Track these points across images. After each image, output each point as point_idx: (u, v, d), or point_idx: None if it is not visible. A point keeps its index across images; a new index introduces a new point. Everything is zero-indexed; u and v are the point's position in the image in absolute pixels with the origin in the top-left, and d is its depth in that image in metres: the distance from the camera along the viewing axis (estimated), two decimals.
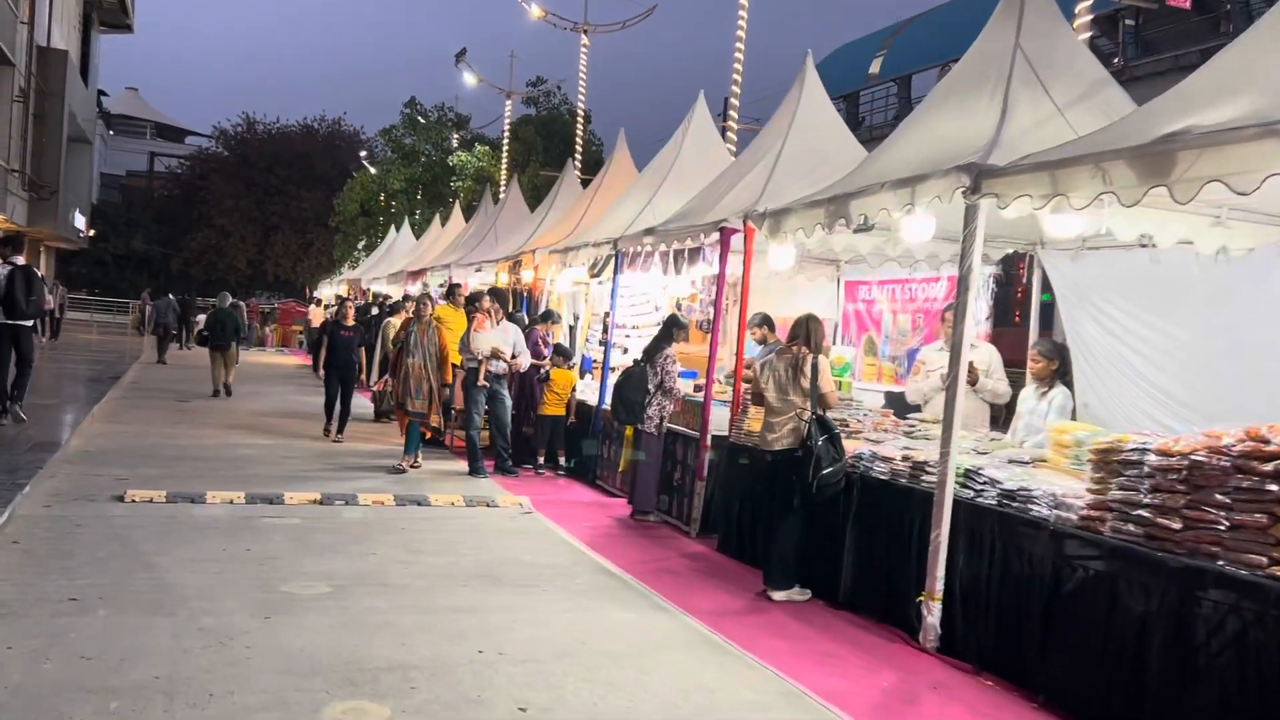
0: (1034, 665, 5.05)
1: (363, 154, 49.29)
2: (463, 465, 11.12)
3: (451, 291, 12.94)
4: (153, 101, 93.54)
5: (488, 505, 9.03)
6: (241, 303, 36.53)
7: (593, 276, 11.32)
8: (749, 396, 7.84)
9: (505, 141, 29.50)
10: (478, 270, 16.62)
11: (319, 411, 14.78)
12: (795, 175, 8.92)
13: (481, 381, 10.57)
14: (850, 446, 6.57)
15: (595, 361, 12.14)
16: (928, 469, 5.89)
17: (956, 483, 5.59)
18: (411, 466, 10.67)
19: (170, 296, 30.03)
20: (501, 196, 23.63)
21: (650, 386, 8.73)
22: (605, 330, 10.85)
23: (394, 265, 27.28)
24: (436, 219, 27.71)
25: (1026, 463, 5.78)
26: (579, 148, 23.29)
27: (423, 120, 36.60)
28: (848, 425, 7.12)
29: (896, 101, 42.76)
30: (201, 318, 32.62)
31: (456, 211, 25.24)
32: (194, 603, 5.55)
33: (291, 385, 21.24)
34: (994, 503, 5.42)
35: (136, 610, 5.36)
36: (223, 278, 54.99)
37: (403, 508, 8.68)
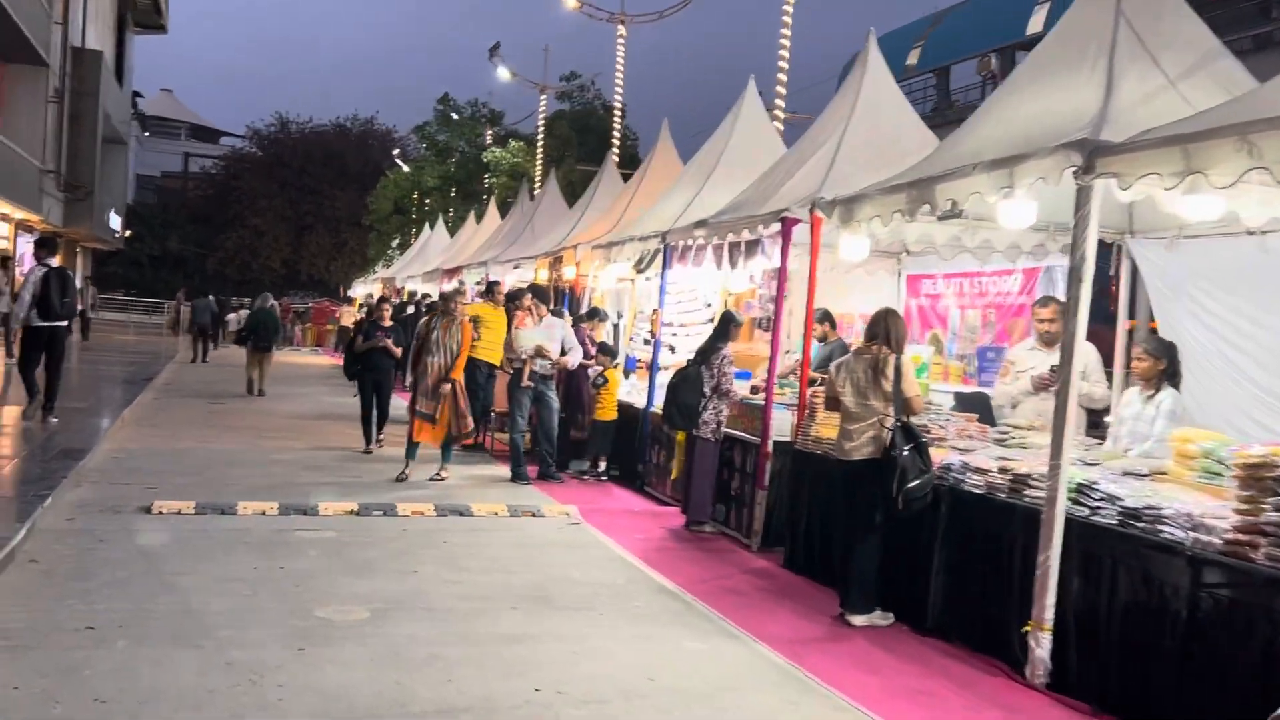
0: (1166, 708, 4.43)
1: (395, 152, 49.10)
2: (503, 470, 10.62)
3: (490, 289, 12.44)
4: (188, 103, 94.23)
5: (533, 515, 8.49)
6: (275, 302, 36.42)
7: (639, 272, 10.75)
8: (815, 400, 7.26)
9: (540, 137, 29.00)
10: (515, 267, 16.12)
11: (354, 414, 14.33)
12: (860, 162, 8.32)
13: (526, 382, 10.04)
14: (936, 455, 5.97)
15: (639, 361, 11.59)
16: (1031, 482, 5.28)
17: (1068, 499, 4.98)
18: (432, 479, 9.71)
19: (210, 297, 30.22)
20: (538, 192, 23.20)
21: (706, 389, 8.15)
22: (653, 328, 10.27)
23: (429, 263, 26.89)
24: (471, 216, 27.29)
25: (1144, 475, 5.15)
26: (616, 142, 22.75)
27: (456, 116, 36.20)
28: (928, 431, 6.51)
29: (935, 94, 42.05)
30: (232, 317, 32.56)
31: (492, 208, 24.79)
32: (221, 631, 5.05)
33: (325, 386, 20.87)
34: (1114, 522, 4.80)
35: (158, 641, 4.86)
36: (257, 278, 55.07)
37: (443, 518, 8.17)
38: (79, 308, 24.32)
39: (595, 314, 11.31)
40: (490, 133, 35.55)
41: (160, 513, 7.62)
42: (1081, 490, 5.03)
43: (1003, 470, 5.52)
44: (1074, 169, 5.00)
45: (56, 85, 33.66)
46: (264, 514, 7.83)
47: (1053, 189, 5.27)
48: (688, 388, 8.05)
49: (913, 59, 42.13)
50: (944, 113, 36.35)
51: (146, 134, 77.80)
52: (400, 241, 36.97)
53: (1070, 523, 4.96)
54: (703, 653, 5.27)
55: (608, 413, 10.45)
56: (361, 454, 11.32)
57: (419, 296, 21.45)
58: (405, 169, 40.33)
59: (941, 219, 6.74)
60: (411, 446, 9.85)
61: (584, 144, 33.67)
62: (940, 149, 6.80)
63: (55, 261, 11.28)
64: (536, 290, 10.49)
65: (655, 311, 10.21)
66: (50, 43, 32.24)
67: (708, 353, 8.28)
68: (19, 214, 30.99)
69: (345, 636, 5.10)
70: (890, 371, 5.94)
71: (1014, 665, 5.18)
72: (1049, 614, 4.96)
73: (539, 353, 10.08)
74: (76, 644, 4.74)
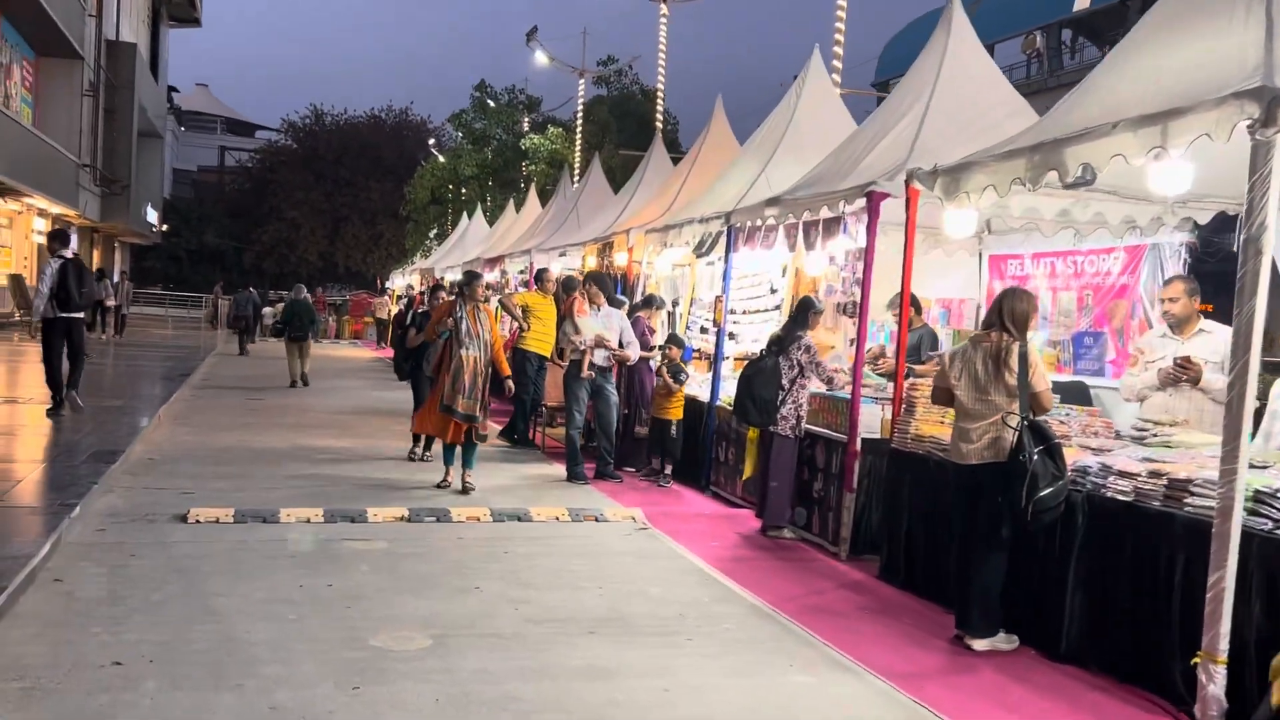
0: None
1: (431, 142, 48.58)
2: (558, 469, 9.99)
3: (540, 277, 11.80)
4: (223, 98, 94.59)
5: (596, 520, 7.84)
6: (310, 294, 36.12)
7: (699, 256, 10.05)
8: (914, 394, 6.54)
9: (579, 122, 28.32)
10: (561, 255, 15.46)
11: (398, 408, 13.80)
12: (948, 133, 7.59)
13: (586, 373, 9.39)
14: (1067, 456, 5.23)
15: (696, 351, 10.89)
16: (1194, 489, 4.54)
17: (1244, 509, 4.25)
18: (440, 483, 8.71)
19: (251, 290, 30.33)
20: (581, 177, 22.56)
21: (784, 381, 7.45)
22: (716, 316, 9.56)
23: (468, 253, 26.32)
24: (510, 204, 26.67)
25: None
26: (661, 120, 22.02)
27: (493, 104, 35.59)
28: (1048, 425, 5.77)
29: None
30: (268, 311, 32.29)
31: (532, 196, 24.16)
32: (265, 667, 4.43)
33: (366, 380, 20.38)
34: None
35: (194, 680, 4.24)
36: (294, 270, 54.88)
37: (501, 524, 7.54)
38: (110, 302, 23.95)
39: (651, 301, 10.62)
40: (527, 120, 34.90)
41: (197, 521, 7.05)
42: (1260, 499, 4.29)
43: (1154, 474, 4.78)
44: (1249, 121, 4.25)
45: (91, 78, 33.44)
46: (308, 521, 7.24)
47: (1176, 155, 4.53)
48: (763, 380, 7.35)
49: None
50: (1058, 74, 35.08)
51: (182, 129, 78.19)
52: (438, 232, 36.48)
53: (1248, 537, 4.22)
54: (812, 688, 4.58)
55: (675, 410, 9.59)
56: (408, 446, 10.73)
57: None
58: (441, 159, 39.83)
59: (1068, 187, 5.98)
60: (449, 449, 8.74)
61: (623, 129, 32.96)
62: (1057, 112, 6.03)
63: (69, 253, 11.22)
64: (597, 278, 9.80)
65: (718, 299, 9.50)
66: (84, 35, 32.00)
67: (785, 342, 7.57)
68: (56, 208, 30.81)
69: (405, 672, 4.47)
70: (1014, 362, 5.21)
71: (1177, 702, 4.46)
72: (1223, 644, 4.22)
73: (599, 343, 9.42)
74: (101, 685, 4.14)
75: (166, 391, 14.71)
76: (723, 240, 9.62)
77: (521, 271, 18.24)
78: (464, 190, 34.67)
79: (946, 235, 6.96)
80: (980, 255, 9.68)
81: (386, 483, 8.94)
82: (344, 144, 58.88)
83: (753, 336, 10.07)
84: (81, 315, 11.35)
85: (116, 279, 25.70)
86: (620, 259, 12.53)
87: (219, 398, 15.32)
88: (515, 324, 12.11)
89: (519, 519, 7.68)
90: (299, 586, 5.68)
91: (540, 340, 11.61)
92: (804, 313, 7.68)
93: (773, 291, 9.95)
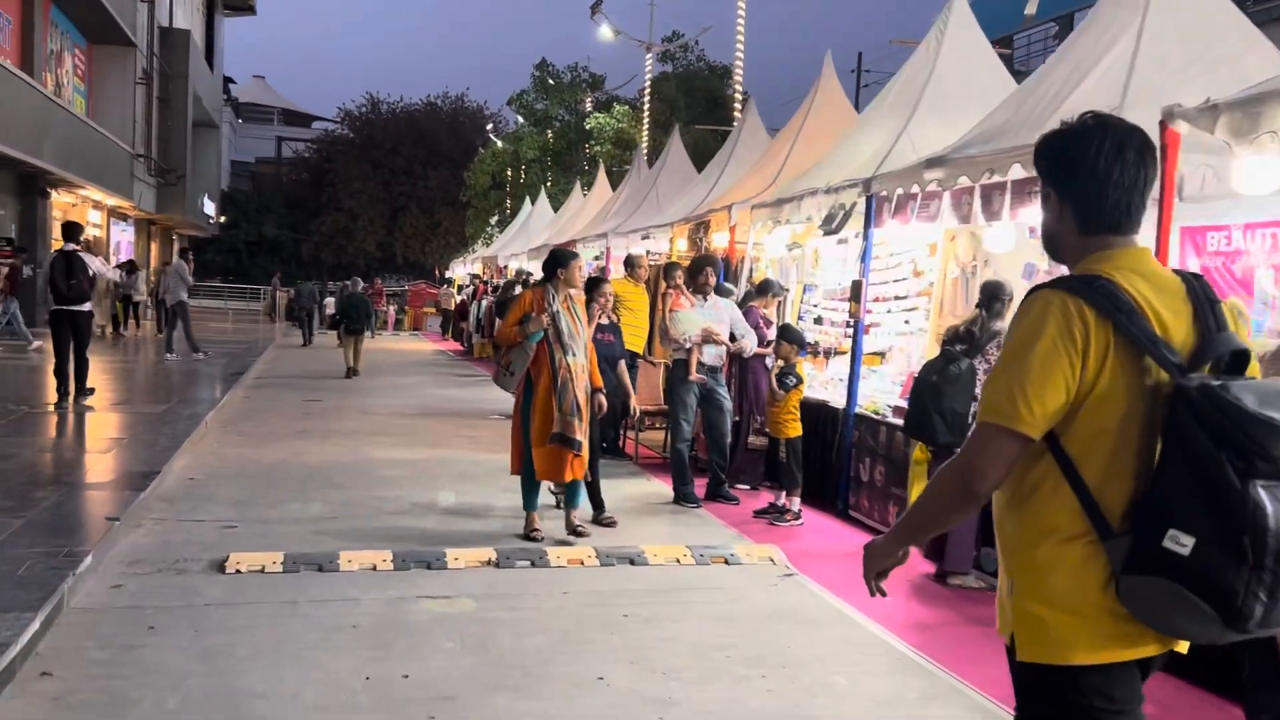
0: None
1: (489, 127, 47.32)
2: (660, 487, 8.49)
3: (631, 263, 10.27)
4: (280, 89, 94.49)
5: (726, 562, 6.31)
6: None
7: (829, 233, 8.44)
8: None
9: (646, 99, 26.74)
10: (645, 238, 13.93)
11: (467, 410, 12.43)
12: (1173, 66, 6.01)
13: (695, 375, 7.86)
14: None
15: (810, 348, 9.27)
16: None
17: None
18: (529, 534, 6.62)
19: (312, 283, 29.95)
20: (651, 156, 21.06)
21: (978, 390, 5.85)
22: (856, 303, 7.92)
23: (533, 240, 24.94)
24: (577, 187, 25.23)
25: None
26: (739, 90, 20.42)
27: (553, 83, 34.12)
28: None
29: (1057, 44, 38.68)
30: (330, 300, 31.34)
31: (601, 177, 22.66)
32: None
33: (429, 375, 19.07)
34: None
35: None
36: (352, 261, 54.13)
37: (611, 569, 6.04)
38: (128, 290, 22.76)
39: (768, 287, 9.03)
40: (590, 99, 33.39)
41: (237, 570, 5.65)
42: None
43: None
44: None
45: (144, 66, 32.61)
46: (374, 569, 5.80)
47: None
48: (957, 389, 5.73)
49: (1031, 8, 38.81)
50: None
51: (240, 120, 78.05)
52: (499, 219, 35.18)
53: None
54: None
55: (789, 426, 7.59)
56: (481, 457, 9.27)
57: (525, 276, 19.43)
58: (499, 144, 38.51)
59: None
60: (532, 491, 6.69)
61: (690, 106, 31.33)
62: None
63: (74, 246, 11.19)
64: (707, 260, 8.24)
65: (857, 284, 7.87)
66: (137, 22, 31.12)
67: (976, 339, 5.95)
68: (111, 200, 30.01)
69: None
70: None
71: None
72: None
73: (708, 337, 7.87)
74: None
75: (218, 392, 13.47)
76: (859, 212, 8.03)
77: (596, 257, 16.76)
78: (524, 174, 33.24)
79: (1240, 188, 5.27)
80: (1157, 222, 7.98)
81: (464, 509, 7.50)
82: (400, 132, 57.99)
83: (894, 328, 8.47)
84: (83, 308, 11.16)
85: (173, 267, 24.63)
86: (718, 240, 10.96)
87: (274, 398, 14.05)
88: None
89: (632, 562, 6.17)
90: (364, 679, 4.23)
91: (632, 334, 10.09)
92: (996, 300, 6.05)
93: (917, 274, 8.31)
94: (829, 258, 9.59)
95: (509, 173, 34.61)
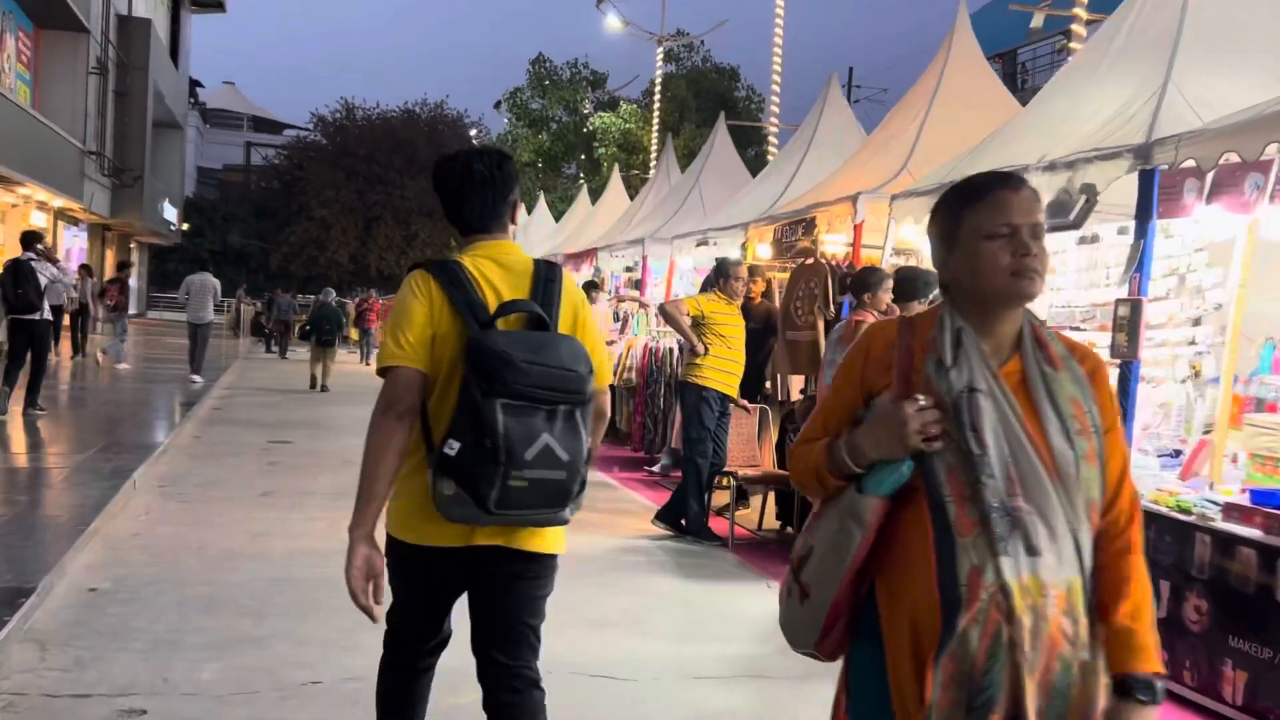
0: None
1: (474, 133, 44.49)
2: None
3: (724, 271, 7.48)
4: (252, 97, 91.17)
5: None
6: (344, 299, 32.18)
7: (1054, 228, 5.70)
8: None
9: (657, 96, 24.07)
10: (701, 244, 11.18)
11: None
12: None
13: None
14: None
15: None
16: None
17: None
18: None
19: (291, 295, 28.18)
20: (658, 158, 18.39)
21: None
22: (1126, 334, 5.15)
23: (532, 249, 22.13)
24: (584, 192, 22.49)
25: None
26: (777, 85, 17.78)
27: (548, 82, 31.34)
28: None
29: (1066, 58, 37.03)
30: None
31: (615, 180, 19.95)
32: None
33: None
34: None
35: None
36: (323, 273, 51.03)
37: None
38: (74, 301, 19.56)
39: (913, 285, 6.23)
40: (589, 98, 30.67)
41: None
42: None
43: None
44: None
45: (99, 55, 29.55)
46: None
47: None
48: None
49: (1037, 21, 37.07)
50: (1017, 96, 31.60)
51: (208, 126, 74.78)
52: None
53: None
54: None
55: None
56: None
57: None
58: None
59: None
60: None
61: (701, 108, 28.72)
62: None
63: (30, 255, 11.03)
64: (912, 277, 5.45)
65: (1130, 304, 5.09)
66: (91, 8, 28.13)
67: None
68: (58, 201, 26.88)
69: None
70: None
71: None
72: None
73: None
74: None
75: (159, 433, 10.55)
76: (1109, 199, 5.32)
77: (629, 268, 14.03)
78: (520, 179, 30.43)
79: None
80: None
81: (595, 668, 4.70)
82: (377, 140, 54.98)
83: (1155, 372, 5.72)
84: (35, 317, 10.80)
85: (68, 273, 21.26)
86: (831, 243, 8.24)
87: (231, 438, 11.14)
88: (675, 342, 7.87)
89: None
90: None
91: (723, 370, 7.35)
92: None
93: (1199, 290, 5.56)
94: (1067, 262, 6.78)
95: None
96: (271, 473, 9.21)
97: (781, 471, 7.48)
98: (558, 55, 29.31)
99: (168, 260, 51.35)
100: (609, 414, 2.99)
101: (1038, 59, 39.27)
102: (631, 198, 19.10)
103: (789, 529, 7.72)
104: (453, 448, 2.43)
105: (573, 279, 2.82)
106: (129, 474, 8.09)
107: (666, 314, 7.45)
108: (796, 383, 8.77)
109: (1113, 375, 5.95)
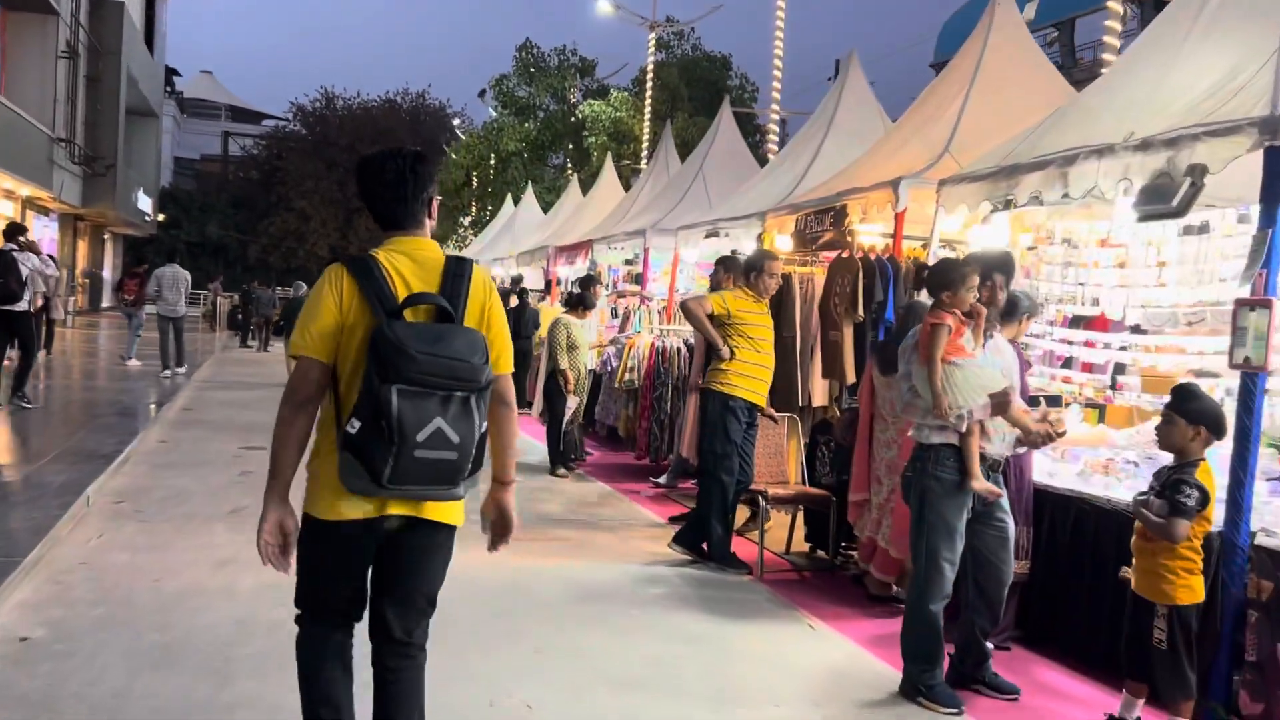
0: None
1: (457, 122, 43.47)
2: (834, 642, 4.94)
3: (758, 265, 6.64)
4: (230, 87, 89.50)
5: None
6: None
7: (1149, 216, 4.92)
8: None
9: (649, 82, 23.23)
10: (712, 234, 10.37)
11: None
12: None
13: (980, 483, 4.29)
14: None
15: (1065, 398, 5.78)
16: None
17: None
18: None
19: (270, 289, 29.36)
20: (651, 149, 17.57)
21: None
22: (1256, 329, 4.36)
23: (520, 242, 21.30)
24: (574, 183, 21.62)
25: None
26: (779, 64, 16.99)
27: (535, 69, 30.36)
28: None
29: (1058, 49, 37.08)
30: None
31: (608, 169, 19.08)
32: None
33: None
34: None
35: None
36: (303, 265, 49.93)
37: None
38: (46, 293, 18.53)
39: (1017, 307, 5.41)
40: (580, 86, 29.74)
41: None
42: None
43: None
44: None
45: (69, 38, 28.43)
46: None
47: None
48: None
49: (1030, 12, 36.62)
50: (1069, 71, 31.02)
51: (185, 116, 73.28)
52: (474, 219, 31.35)
53: None
54: None
55: (1184, 584, 3.89)
56: (548, 562, 5.64)
57: (520, 285, 15.72)
58: (463, 138, 34.71)
59: None
60: None
61: (694, 97, 27.88)
62: None
63: (12, 247, 11.05)
64: (1002, 265, 4.65)
65: (1253, 307, 4.31)
66: None
67: None
68: (25, 189, 25.81)
69: None
70: None
71: None
72: None
73: (1004, 408, 4.28)
74: None
75: (121, 439, 9.66)
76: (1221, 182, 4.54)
77: (629, 261, 13.22)
78: (502, 170, 29.39)
79: None
80: None
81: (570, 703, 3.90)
82: (357, 130, 53.85)
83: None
84: (16, 308, 10.74)
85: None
86: (865, 233, 7.44)
87: (200, 445, 10.26)
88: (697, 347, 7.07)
89: None
90: None
91: (751, 376, 6.55)
92: None
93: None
94: (1136, 252, 6.01)
95: (490, 166, 30.71)
96: (242, 485, 8.35)
97: (817, 490, 6.68)
98: (545, 42, 28.24)
99: (143, 251, 50.07)
100: (514, 401, 3.08)
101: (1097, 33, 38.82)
102: (625, 188, 18.28)
103: (819, 552, 6.94)
104: (354, 426, 2.66)
105: (484, 273, 2.98)
106: (82, 489, 7.23)
107: (689, 312, 6.61)
108: (821, 388, 7.97)
109: (1221, 386, 5.19)
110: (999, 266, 4.59)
